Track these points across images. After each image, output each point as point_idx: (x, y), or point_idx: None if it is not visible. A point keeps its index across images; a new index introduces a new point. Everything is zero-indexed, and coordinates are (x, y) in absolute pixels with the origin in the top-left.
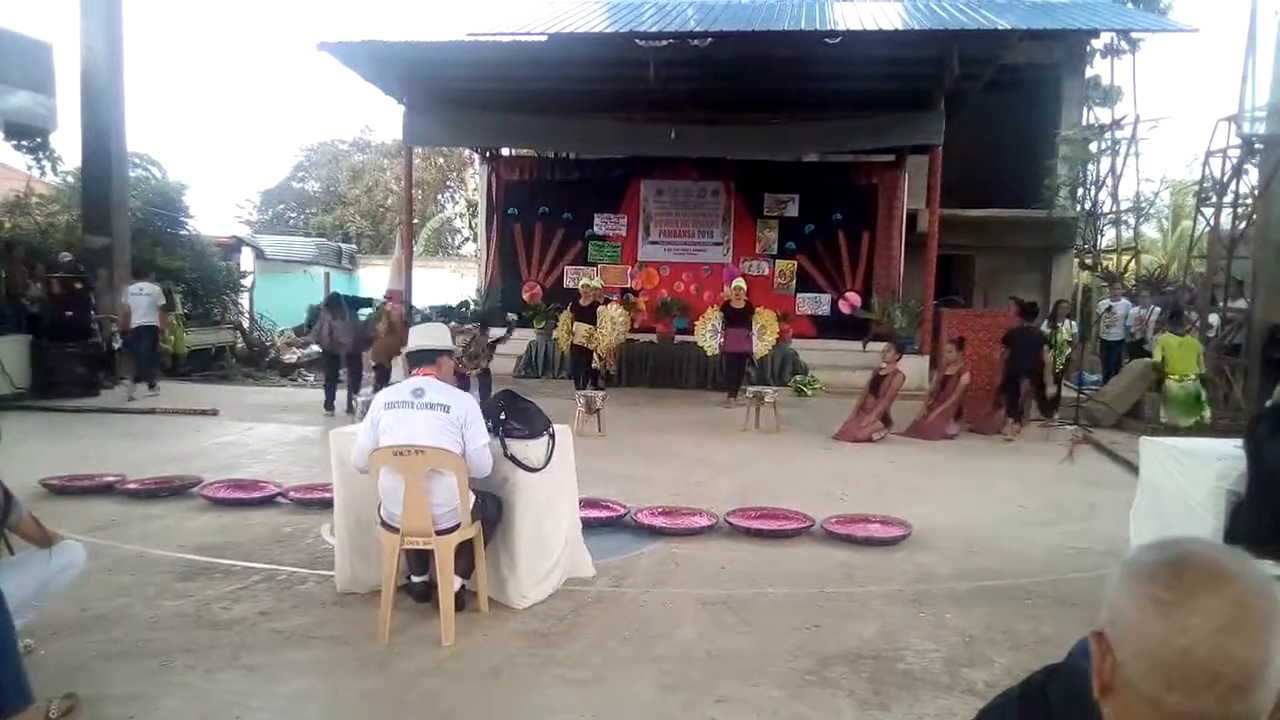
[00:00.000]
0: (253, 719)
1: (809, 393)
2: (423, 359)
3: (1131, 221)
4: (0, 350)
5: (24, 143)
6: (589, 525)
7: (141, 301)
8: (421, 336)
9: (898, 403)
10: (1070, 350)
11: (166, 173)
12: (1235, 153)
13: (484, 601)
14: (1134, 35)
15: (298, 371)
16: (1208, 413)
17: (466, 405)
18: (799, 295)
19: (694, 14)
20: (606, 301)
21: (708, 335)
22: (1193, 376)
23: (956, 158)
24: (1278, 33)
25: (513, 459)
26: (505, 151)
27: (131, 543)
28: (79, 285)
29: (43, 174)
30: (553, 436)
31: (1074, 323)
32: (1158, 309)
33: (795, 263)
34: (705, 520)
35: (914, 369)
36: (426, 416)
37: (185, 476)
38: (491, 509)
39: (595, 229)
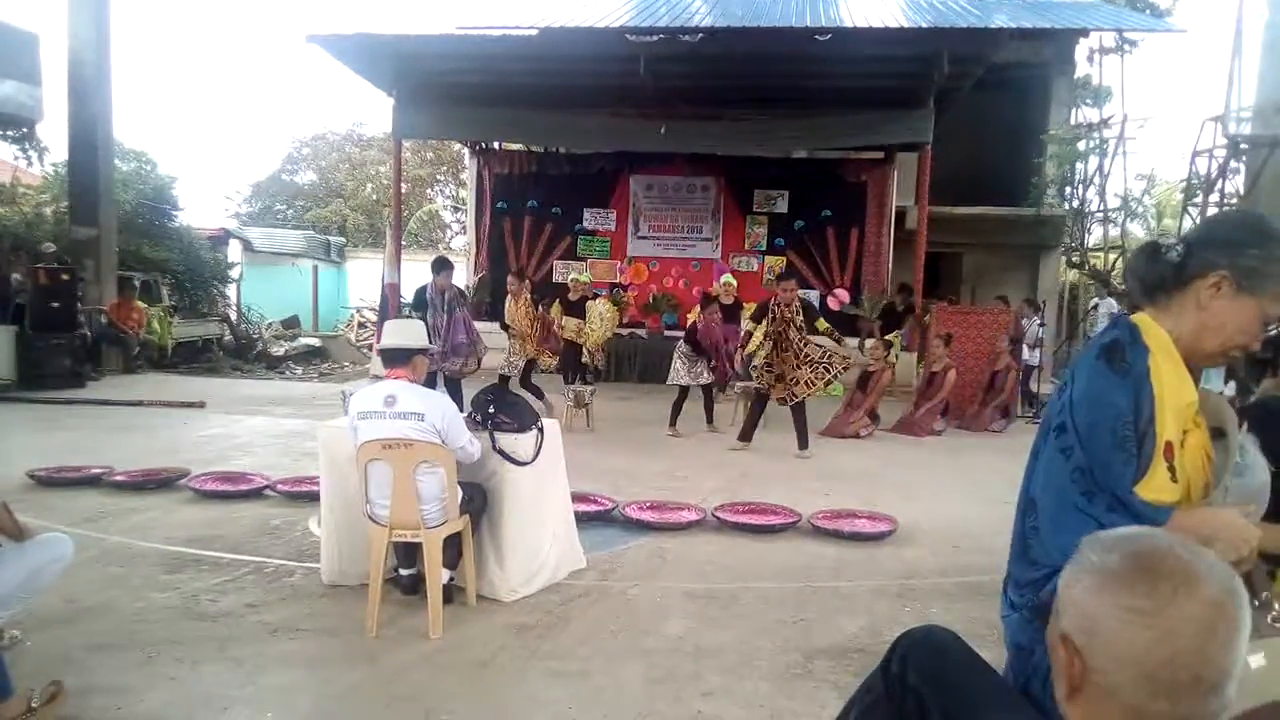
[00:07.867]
0: (240, 711)
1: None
2: (395, 358)
3: (1119, 220)
4: None
5: (10, 133)
6: (577, 519)
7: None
8: (395, 334)
9: (886, 398)
10: (1042, 347)
11: (155, 165)
12: (1221, 152)
13: (472, 595)
14: (1128, 36)
15: (285, 365)
16: None
17: (440, 410)
18: None
19: (701, 5)
20: (595, 296)
21: None
22: None
23: (945, 155)
24: (1263, 36)
25: (501, 453)
26: (495, 145)
27: (118, 535)
28: (65, 276)
29: (29, 164)
30: (541, 431)
31: (1040, 319)
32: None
33: (784, 259)
34: (693, 515)
35: (902, 366)
36: (401, 427)
37: (172, 468)
38: (478, 501)
39: (585, 223)
